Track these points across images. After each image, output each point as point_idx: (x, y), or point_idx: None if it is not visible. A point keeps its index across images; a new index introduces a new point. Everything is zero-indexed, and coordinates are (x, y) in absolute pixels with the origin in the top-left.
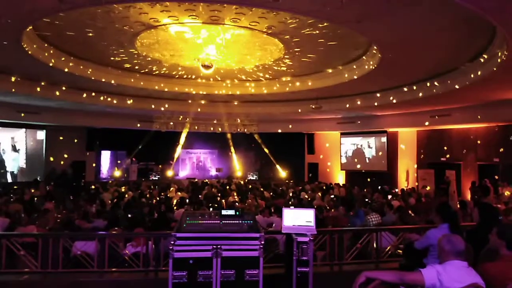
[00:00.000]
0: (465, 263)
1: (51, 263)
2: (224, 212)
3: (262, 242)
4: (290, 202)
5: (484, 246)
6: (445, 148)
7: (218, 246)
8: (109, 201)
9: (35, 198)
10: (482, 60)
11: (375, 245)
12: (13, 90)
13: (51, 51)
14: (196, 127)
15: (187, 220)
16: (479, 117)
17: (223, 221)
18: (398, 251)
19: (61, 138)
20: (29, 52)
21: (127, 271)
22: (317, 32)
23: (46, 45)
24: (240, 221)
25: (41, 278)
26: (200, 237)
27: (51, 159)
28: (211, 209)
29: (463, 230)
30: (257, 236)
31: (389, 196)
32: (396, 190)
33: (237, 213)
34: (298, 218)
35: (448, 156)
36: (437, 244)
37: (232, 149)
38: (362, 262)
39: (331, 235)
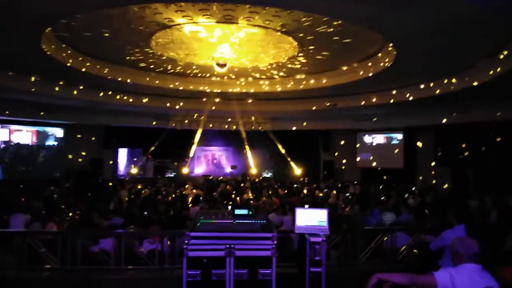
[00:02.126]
0: (479, 266)
1: (70, 260)
2: (237, 211)
3: (275, 242)
4: (304, 200)
5: (501, 248)
6: (464, 145)
7: (232, 246)
8: (126, 198)
9: (55, 195)
10: (501, 56)
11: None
12: (33, 89)
13: (69, 52)
14: (211, 125)
15: (201, 219)
16: (498, 114)
17: (236, 221)
18: (414, 250)
19: (79, 136)
20: (48, 53)
21: (143, 269)
22: (332, 29)
23: (63, 45)
24: (253, 221)
25: (61, 274)
26: (214, 236)
27: (70, 156)
28: (228, 207)
29: (480, 231)
30: (270, 236)
31: (406, 195)
32: (413, 188)
33: (250, 212)
34: (311, 218)
35: (466, 153)
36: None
37: (247, 147)
38: (376, 262)
39: (344, 235)
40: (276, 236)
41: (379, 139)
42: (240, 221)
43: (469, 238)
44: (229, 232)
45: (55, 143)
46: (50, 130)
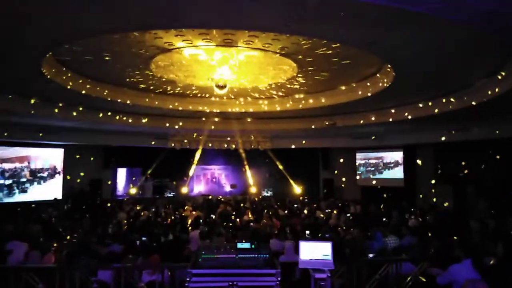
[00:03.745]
0: None
1: None
2: (239, 245)
3: (279, 279)
4: (305, 222)
5: (508, 283)
6: (463, 163)
7: (235, 283)
8: (125, 221)
9: (53, 218)
10: (499, 77)
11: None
12: (32, 112)
13: (69, 74)
14: (210, 144)
15: (203, 254)
16: (497, 132)
17: (239, 255)
18: (420, 277)
19: (78, 156)
20: (48, 77)
21: None
22: (331, 51)
23: (64, 68)
24: (256, 255)
25: None
26: (216, 273)
27: (68, 177)
28: (229, 230)
29: (486, 265)
30: (273, 273)
31: (407, 215)
32: (414, 208)
33: (253, 246)
34: (315, 252)
35: (466, 171)
36: (459, 280)
37: (246, 165)
38: None
39: (349, 266)
40: (279, 273)
41: (378, 156)
42: (243, 255)
43: (481, 281)
44: (232, 269)
45: None
46: None
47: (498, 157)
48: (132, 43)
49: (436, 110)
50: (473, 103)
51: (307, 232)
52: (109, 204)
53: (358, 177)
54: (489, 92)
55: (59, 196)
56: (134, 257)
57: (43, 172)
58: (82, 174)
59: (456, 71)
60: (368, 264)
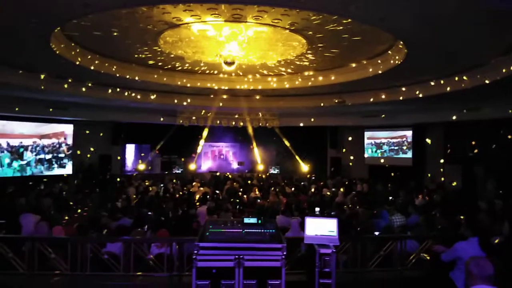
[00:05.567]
0: None
1: (79, 265)
2: (246, 220)
3: (285, 253)
4: (312, 200)
5: None
6: (473, 143)
7: (241, 256)
8: (134, 196)
9: (64, 192)
10: None
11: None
12: (42, 87)
13: (78, 50)
14: (218, 121)
15: (210, 229)
16: (510, 111)
17: (245, 230)
18: (424, 254)
19: (87, 132)
20: (57, 52)
21: (151, 275)
22: (341, 28)
23: (72, 44)
24: (263, 230)
25: (70, 280)
26: (223, 247)
27: (78, 152)
28: (236, 206)
29: (493, 244)
30: (279, 247)
31: (414, 194)
32: (422, 187)
33: (259, 221)
34: (320, 227)
35: (476, 151)
36: (464, 257)
37: (254, 143)
38: (386, 269)
39: (354, 242)
40: (285, 247)
41: (387, 135)
42: (249, 230)
43: (484, 258)
44: (238, 243)
45: None
46: None
47: (509, 137)
48: (140, 18)
49: (448, 89)
50: (487, 81)
51: (317, 208)
52: (118, 179)
53: (366, 155)
54: (504, 70)
55: (69, 171)
56: (143, 231)
57: None
58: (92, 149)
59: (471, 48)
60: (373, 241)
